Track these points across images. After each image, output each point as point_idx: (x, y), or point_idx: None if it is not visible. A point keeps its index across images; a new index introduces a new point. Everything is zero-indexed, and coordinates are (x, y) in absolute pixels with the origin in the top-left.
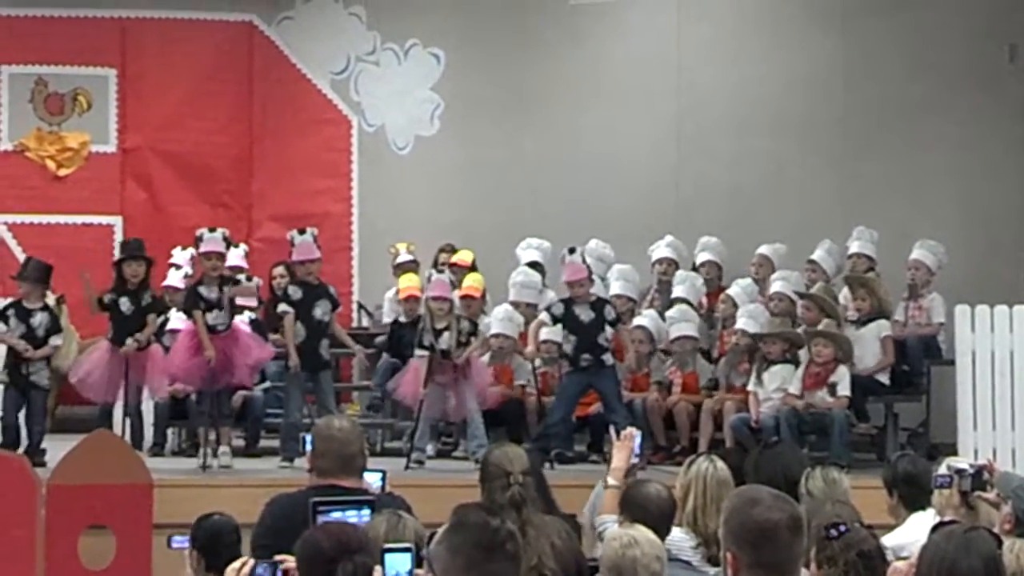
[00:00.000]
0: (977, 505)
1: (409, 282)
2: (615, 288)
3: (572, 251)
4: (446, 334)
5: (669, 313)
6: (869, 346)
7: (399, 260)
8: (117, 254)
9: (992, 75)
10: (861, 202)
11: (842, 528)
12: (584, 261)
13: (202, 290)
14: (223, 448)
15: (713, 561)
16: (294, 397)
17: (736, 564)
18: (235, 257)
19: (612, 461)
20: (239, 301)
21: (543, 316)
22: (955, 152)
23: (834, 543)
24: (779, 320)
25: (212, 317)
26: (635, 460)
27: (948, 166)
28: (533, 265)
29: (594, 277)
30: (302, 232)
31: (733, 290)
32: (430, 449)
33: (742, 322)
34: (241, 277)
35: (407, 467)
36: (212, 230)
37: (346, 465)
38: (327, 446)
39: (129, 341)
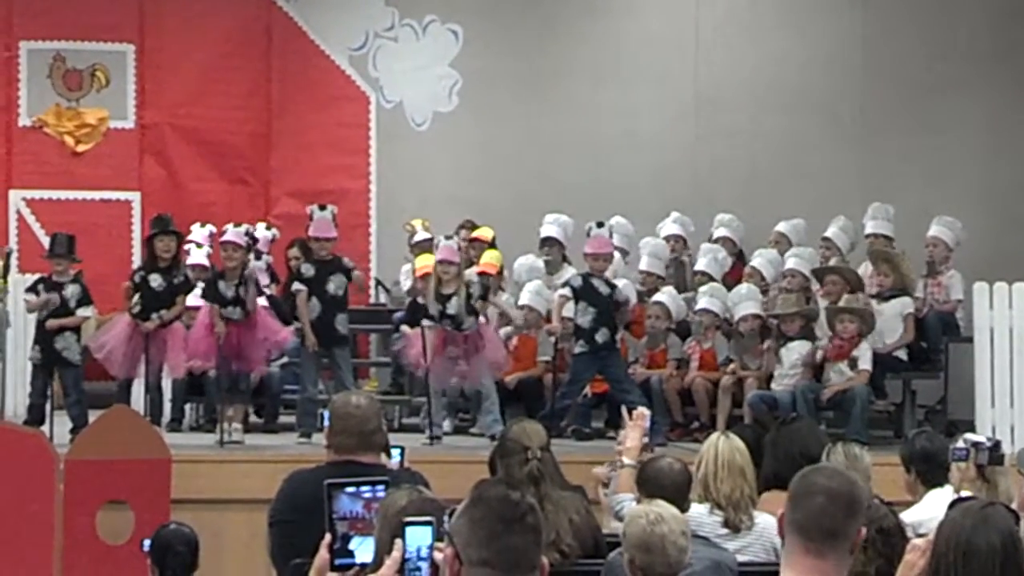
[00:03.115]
0: (995, 480)
1: (426, 261)
2: (643, 264)
3: (600, 225)
4: (454, 299)
5: (702, 289)
6: (890, 322)
7: (416, 239)
8: (138, 231)
9: (1012, 52)
10: (880, 180)
11: None
12: (611, 237)
13: (221, 285)
14: (235, 424)
15: (730, 525)
16: (309, 372)
17: (781, 522)
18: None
19: (625, 441)
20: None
21: (564, 291)
22: (974, 129)
23: None
24: (794, 296)
25: (226, 312)
26: (647, 439)
27: (967, 143)
28: (549, 240)
29: (617, 254)
30: (322, 208)
31: (757, 262)
32: (447, 425)
33: (745, 306)
34: (250, 256)
35: (425, 443)
36: (237, 225)
37: (364, 442)
38: (345, 423)
39: (153, 316)
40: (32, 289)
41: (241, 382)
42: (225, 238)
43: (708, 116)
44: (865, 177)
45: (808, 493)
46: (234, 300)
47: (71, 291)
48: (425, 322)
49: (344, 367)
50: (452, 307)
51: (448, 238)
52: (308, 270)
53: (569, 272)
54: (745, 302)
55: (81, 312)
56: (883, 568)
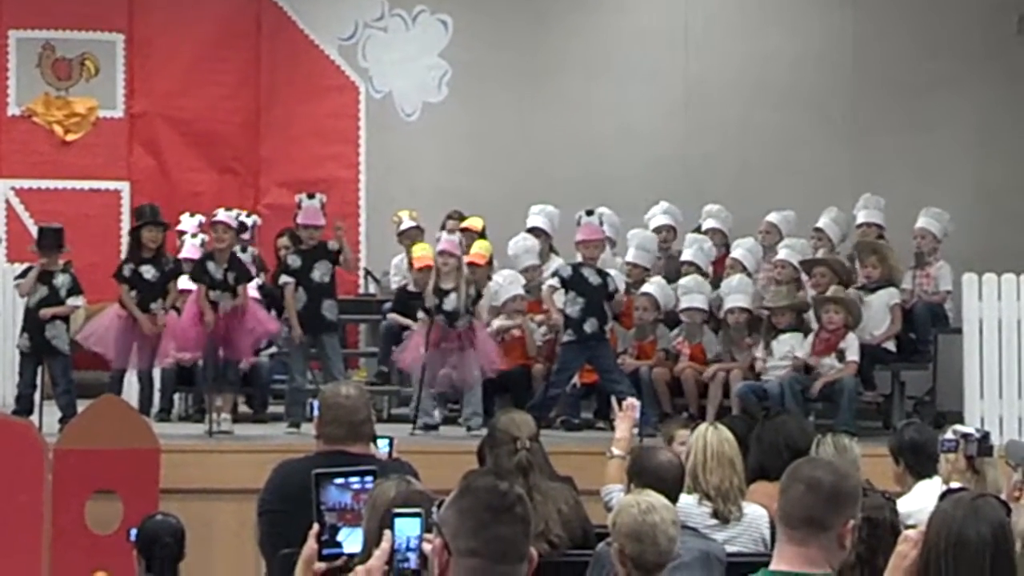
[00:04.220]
0: (984, 471)
1: (423, 251)
2: (630, 255)
3: (590, 213)
4: (453, 295)
5: (681, 282)
6: (877, 313)
7: (403, 227)
8: (127, 221)
9: (1002, 47)
10: (870, 174)
11: None
12: (601, 225)
13: (210, 266)
14: (224, 414)
15: (719, 516)
16: (297, 362)
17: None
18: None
19: (616, 432)
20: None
21: (552, 281)
22: (964, 125)
23: None
24: (785, 288)
25: (216, 295)
26: (636, 430)
27: (958, 136)
28: (535, 231)
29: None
30: (311, 196)
31: (738, 252)
32: (437, 415)
33: (733, 299)
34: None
35: (412, 432)
36: (228, 209)
37: (353, 431)
38: (334, 413)
39: (154, 307)
40: (22, 276)
41: (230, 371)
42: (216, 219)
43: (699, 111)
44: (855, 173)
45: (791, 482)
46: (223, 283)
47: (61, 280)
48: (421, 316)
49: (332, 355)
50: (449, 303)
51: (450, 232)
52: (295, 261)
53: (557, 262)
54: (734, 294)
55: (72, 301)
56: (864, 555)
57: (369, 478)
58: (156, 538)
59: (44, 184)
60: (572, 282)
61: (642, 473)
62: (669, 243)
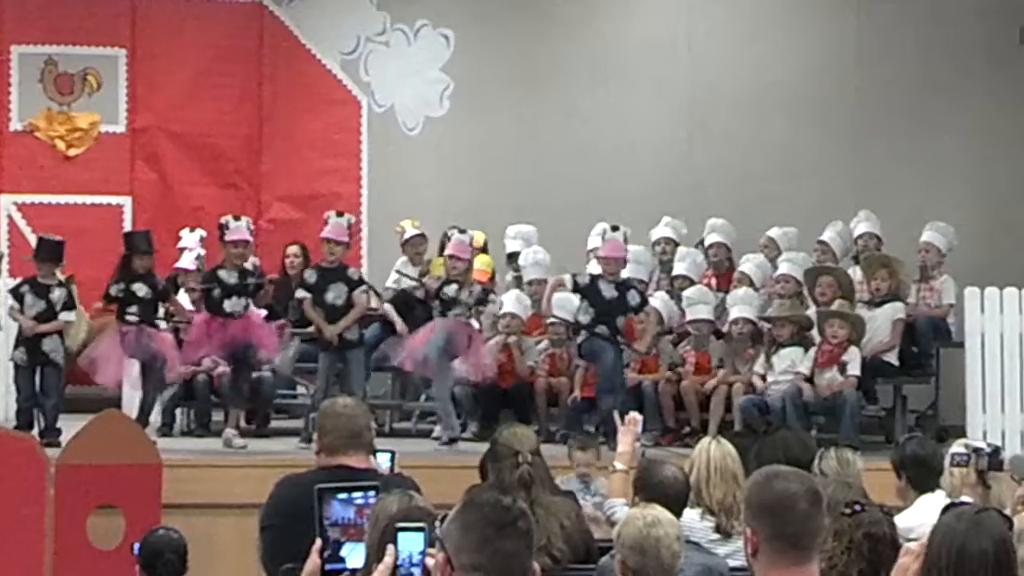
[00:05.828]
0: (991, 485)
1: (440, 268)
2: (628, 270)
3: (615, 228)
4: (454, 285)
5: (686, 294)
6: (882, 327)
7: (407, 236)
8: (124, 245)
9: (1005, 57)
10: (874, 184)
11: (857, 507)
12: (625, 242)
13: (222, 274)
14: (230, 429)
15: (721, 530)
16: (322, 377)
17: (756, 539)
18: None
19: (618, 446)
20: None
21: (564, 277)
22: (967, 134)
23: (845, 519)
24: (789, 302)
25: (230, 304)
26: (638, 444)
27: (960, 148)
28: (516, 255)
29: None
30: (340, 215)
31: (747, 267)
32: (438, 430)
33: (739, 310)
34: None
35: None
36: (237, 218)
37: (353, 441)
38: (333, 423)
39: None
40: (17, 289)
41: (242, 384)
42: (236, 236)
43: (701, 120)
44: (859, 180)
45: (788, 503)
46: (236, 289)
47: (57, 295)
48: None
49: (356, 370)
50: (450, 291)
51: (462, 232)
52: (311, 276)
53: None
54: (739, 306)
55: (63, 316)
56: (867, 571)
57: (372, 493)
58: (158, 553)
59: (46, 199)
60: (587, 292)
61: (647, 487)
62: (669, 255)
